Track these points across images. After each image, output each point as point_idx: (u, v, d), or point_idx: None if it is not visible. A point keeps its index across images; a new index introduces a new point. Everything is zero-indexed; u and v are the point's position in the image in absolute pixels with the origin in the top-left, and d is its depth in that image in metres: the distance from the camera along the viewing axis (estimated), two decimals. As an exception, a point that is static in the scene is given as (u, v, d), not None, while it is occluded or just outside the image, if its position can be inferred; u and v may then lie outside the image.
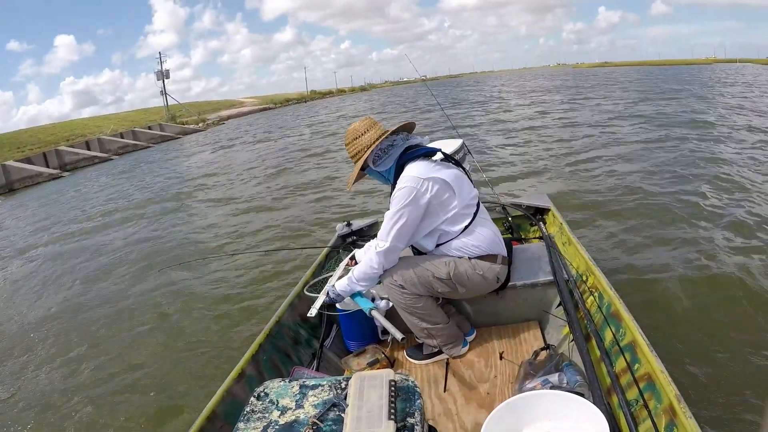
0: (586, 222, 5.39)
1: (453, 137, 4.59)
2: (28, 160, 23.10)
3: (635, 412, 1.64)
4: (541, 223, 3.43)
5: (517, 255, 2.69)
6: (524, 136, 12.57)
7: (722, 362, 2.79)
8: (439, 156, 2.32)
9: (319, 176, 10.70)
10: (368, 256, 2.27)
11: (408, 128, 2.41)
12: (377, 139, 2.24)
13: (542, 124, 14.64)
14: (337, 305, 2.58)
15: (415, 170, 2.15)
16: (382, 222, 3.70)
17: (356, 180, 2.39)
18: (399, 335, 2.04)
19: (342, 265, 2.88)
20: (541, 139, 11.70)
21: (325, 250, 3.41)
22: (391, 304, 2.59)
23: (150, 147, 29.09)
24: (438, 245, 2.30)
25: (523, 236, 3.48)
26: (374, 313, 2.22)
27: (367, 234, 3.74)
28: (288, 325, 2.58)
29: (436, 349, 2.44)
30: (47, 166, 23.23)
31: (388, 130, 2.29)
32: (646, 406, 1.59)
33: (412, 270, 2.24)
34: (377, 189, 7.84)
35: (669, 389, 1.49)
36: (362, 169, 2.31)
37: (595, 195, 6.41)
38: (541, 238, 3.18)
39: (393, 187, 2.24)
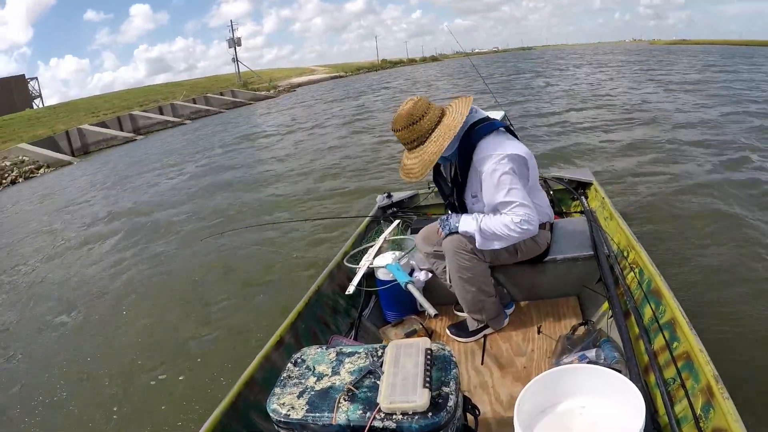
0: (629, 196, 5.23)
1: (495, 108, 4.54)
2: (103, 124, 24.10)
3: (672, 391, 1.60)
4: (582, 197, 3.35)
5: (558, 229, 2.64)
6: (573, 110, 12.16)
7: (766, 342, 2.70)
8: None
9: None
10: (503, 221, 2.07)
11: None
12: (439, 119, 2.09)
13: (592, 99, 14.16)
14: (377, 276, 2.60)
15: (495, 146, 2.06)
16: (422, 193, 3.74)
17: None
18: (432, 311, 2.01)
19: (382, 237, 2.90)
20: (589, 114, 11.30)
21: (365, 221, 3.43)
22: (429, 276, 2.60)
23: (222, 112, 29.87)
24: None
25: (564, 210, 3.42)
26: (410, 287, 2.22)
27: (407, 206, 3.74)
28: (327, 294, 2.62)
29: (482, 324, 2.41)
30: (121, 130, 24.17)
31: (443, 112, 2.14)
32: (683, 385, 1.56)
33: None
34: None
35: (707, 369, 1.45)
36: None
37: (641, 173, 6.19)
38: (582, 212, 3.11)
39: (460, 163, 2.17)
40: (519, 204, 2.04)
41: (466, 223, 2.18)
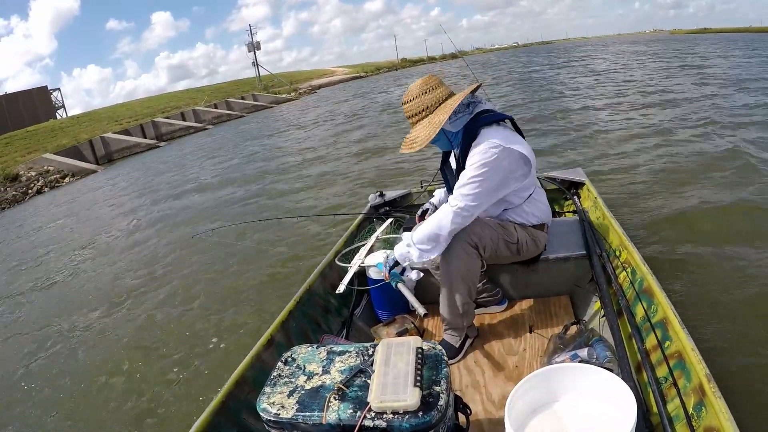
0: (622, 195, 5.24)
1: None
2: (125, 132, 24.22)
3: (664, 389, 1.61)
4: (575, 197, 3.36)
5: (550, 229, 2.65)
6: (571, 110, 12.14)
7: (758, 342, 2.71)
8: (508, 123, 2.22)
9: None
10: (438, 215, 2.06)
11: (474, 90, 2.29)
12: (449, 96, 2.09)
13: (587, 97, 14.18)
14: (369, 275, 2.59)
15: (494, 135, 2.02)
16: (414, 192, 3.73)
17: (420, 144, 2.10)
18: (422, 310, 2.00)
19: (374, 236, 2.89)
20: (582, 112, 11.27)
21: (357, 220, 3.41)
22: (421, 275, 2.58)
23: (244, 116, 29.84)
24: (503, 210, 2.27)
25: (557, 210, 3.42)
26: (400, 286, 2.20)
27: (399, 205, 3.73)
28: (318, 293, 2.60)
29: (463, 336, 2.32)
30: (144, 137, 24.29)
31: (453, 93, 2.14)
32: (675, 384, 1.56)
33: (488, 233, 2.15)
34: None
35: (699, 368, 1.45)
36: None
37: (633, 170, 6.19)
38: (575, 212, 3.12)
39: (461, 152, 2.12)
40: (471, 203, 2.00)
41: (399, 247, 2.21)
